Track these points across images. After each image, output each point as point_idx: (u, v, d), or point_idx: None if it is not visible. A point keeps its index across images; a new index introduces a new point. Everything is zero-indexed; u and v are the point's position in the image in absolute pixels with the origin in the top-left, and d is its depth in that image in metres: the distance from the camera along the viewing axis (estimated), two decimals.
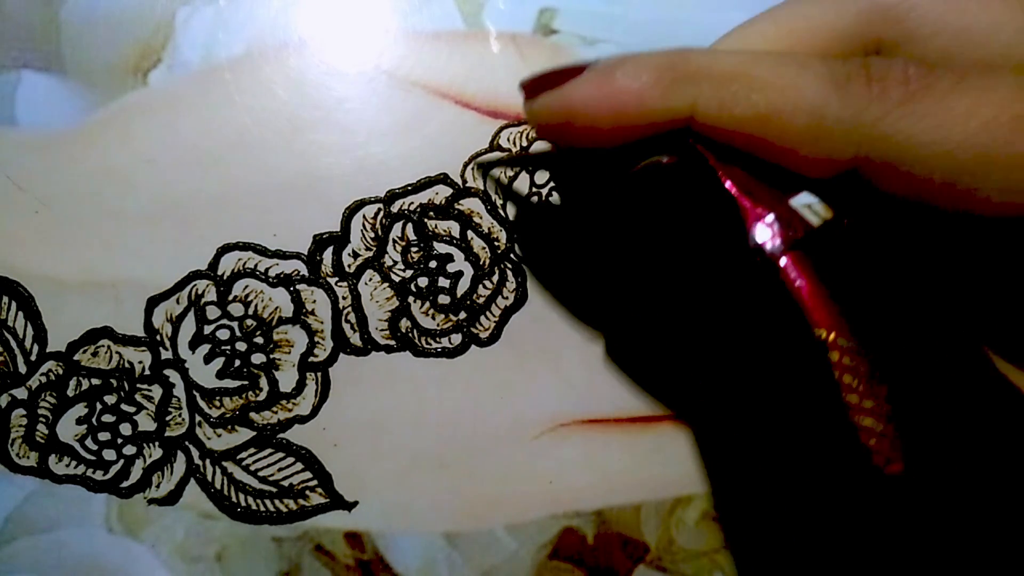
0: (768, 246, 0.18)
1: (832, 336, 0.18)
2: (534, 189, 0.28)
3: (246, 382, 0.26)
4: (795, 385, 0.19)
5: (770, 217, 0.18)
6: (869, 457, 0.17)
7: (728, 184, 0.19)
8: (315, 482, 0.26)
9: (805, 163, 0.18)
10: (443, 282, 0.27)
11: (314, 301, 0.27)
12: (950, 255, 0.20)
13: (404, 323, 0.27)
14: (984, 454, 0.18)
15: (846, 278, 0.18)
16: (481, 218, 0.27)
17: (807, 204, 0.19)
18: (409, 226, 0.27)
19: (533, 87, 0.21)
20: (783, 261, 0.18)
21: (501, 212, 0.27)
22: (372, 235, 0.27)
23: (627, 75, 0.19)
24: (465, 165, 0.28)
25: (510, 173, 0.28)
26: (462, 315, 0.27)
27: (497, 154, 0.27)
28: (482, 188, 0.27)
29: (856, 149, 0.18)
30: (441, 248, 0.27)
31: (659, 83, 0.19)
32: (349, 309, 0.27)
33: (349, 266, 0.27)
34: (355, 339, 0.27)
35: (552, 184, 0.28)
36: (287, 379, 0.26)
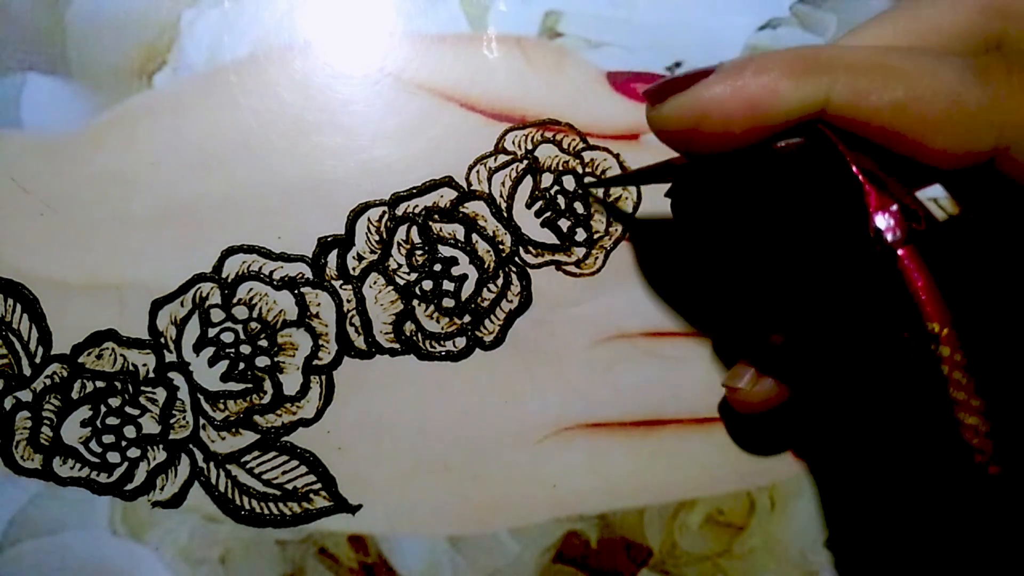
0: (889, 236, 0.18)
1: (945, 331, 0.17)
2: (537, 193, 0.28)
3: (250, 385, 0.26)
4: (902, 378, 0.19)
5: (894, 207, 0.18)
6: (971, 455, 0.17)
7: (855, 169, 0.18)
8: (319, 485, 0.26)
9: (938, 155, 0.18)
10: (447, 285, 0.27)
11: (318, 304, 0.27)
12: None
13: (408, 326, 0.27)
14: None
15: (964, 274, 0.18)
16: (486, 221, 0.27)
17: (934, 198, 0.19)
18: (414, 229, 0.27)
19: (658, 93, 0.21)
20: (902, 252, 0.18)
21: (505, 215, 0.27)
22: (376, 238, 0.27)
23: (758, 69, 0.19)
24: (470, 168, 0.28)
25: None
26: (466, 318, 0.27)
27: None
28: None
29: (996, 138, 0.18)
30: (446, 251, 0.27)
31: (792, 73, 0.19)
32: (353, 312, 0.27)
33: (353, 269, 0.27)
34: (359, 342, 0.27)
35: (558, 189, 0.28)
36: (291, 382, 0.26)
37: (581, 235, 0.28)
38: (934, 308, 0.18)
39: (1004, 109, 0.17)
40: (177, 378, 0.26)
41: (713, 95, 0.19)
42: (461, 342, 0.27)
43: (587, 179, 0.28)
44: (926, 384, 0.18)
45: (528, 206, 0.28)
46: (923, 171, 0.19)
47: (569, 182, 0.28)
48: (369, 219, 0.27)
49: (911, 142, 0.18)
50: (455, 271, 0.27)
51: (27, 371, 0.26)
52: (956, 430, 0.18)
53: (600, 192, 0.28)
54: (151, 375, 0.26)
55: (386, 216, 0.27)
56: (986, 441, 0.17)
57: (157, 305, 0.26)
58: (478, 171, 0.28)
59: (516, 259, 0.27)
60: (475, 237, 0.27)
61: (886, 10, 0.21)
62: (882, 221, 0.18)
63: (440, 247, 0.27)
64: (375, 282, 0.27)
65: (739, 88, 0.19)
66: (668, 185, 0.25)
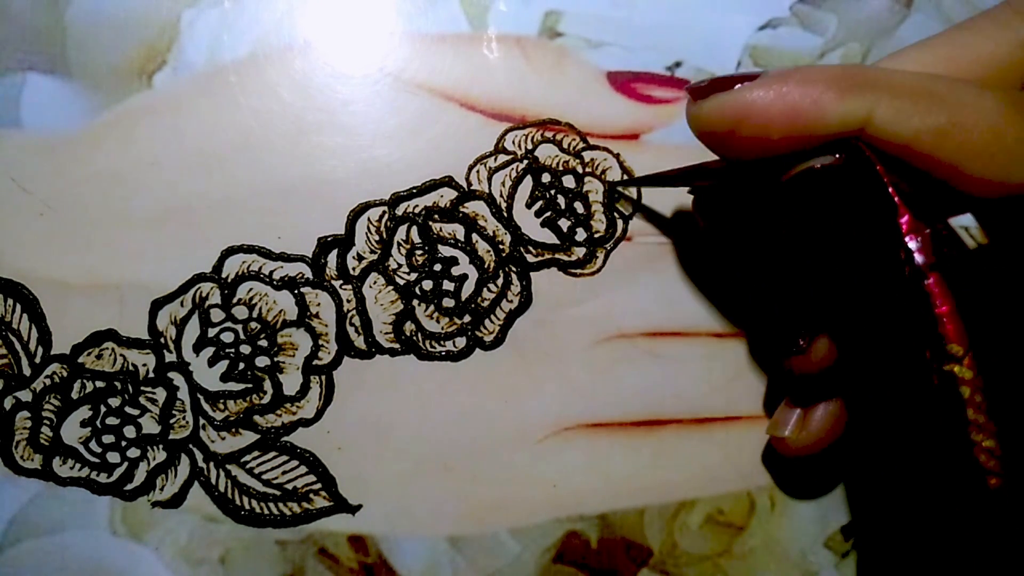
0: (919, 258, 0.18)
1: (968, 354, 0.18)
2: (538, 192, 0.28)
3: (250, 385, 0.26)
4: (918, 395, 0.19)
5: (927, 231, 0.18)
6: (984, 477, 0.18)
7: (891, 190, 0.19)
8: (319, 485, 0.26)
9: (974, 183, 0.18)
10: (447, 285, 0.27)
11: (318, 304, 0.27)
12: None
13: (408, 326, 0.27)
14: None
15: (988, 301, 0.19)
16: (486, 221, 0.27)
17: (965, 227, 0.19)
18: (414, 229, 0.27)
19: (703, 90, 0.21)
20: (930, 275, 0.18)
21: (505, 215, 0.27)
22: (376, 238, 0.27)
23: (804, 79, 0.19)
24: (470, 168, 0.28)
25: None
26: (466, 318, 0.27)
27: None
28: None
29: None
30: (446, 251, 0.27)
31: (837, 88, 0.19)
32: (353, 312, 0.27)
33: (353, 269, 0.27)
34: (359, 342, 0.27)
35: (557, 188, 0.28)
36: (291, 382, 0.26)
37: (581, 235, 0.28)
38: (956, 331, 0.18)
39: None
40: (177, 378, 0.26)
41: (756, 98, 0.19)
42: (461, 342, 0.27)
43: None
44: (944, 404, 0.18)
45: (528, 206, 0.28)
46: (957, 198, 0.19)
47: (569, 182, 0.28)
48: (369, 219, 0.27)
49: (949, 168, 0.18)
50: (455, 271, 0.27)
51: (27, 371, 0.26)
52: (970, 451, 0.18)
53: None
54: (151, 375, 0.26)
55: (386, 216, 0.27)
56: (999, 463, 0.18)
57: (157, 305, 0.26)
58: (478, 171, 0.28)
59: (515, 259, 0.27)
60: (475, 237, 0.27)
61: (928, 37, 0.21)
62: (913, 244, 0.18)
63: (440, 247, 0.27)
64: (375, 282, 0.27)
65: (783, 95, 0.19)
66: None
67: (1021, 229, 0.19)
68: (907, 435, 0.21)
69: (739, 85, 0.20)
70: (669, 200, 0.28)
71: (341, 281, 0.27)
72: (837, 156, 0.19)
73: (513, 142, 0.28)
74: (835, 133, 0.19)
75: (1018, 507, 0.18)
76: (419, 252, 0.27)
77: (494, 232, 0.27)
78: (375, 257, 0.27)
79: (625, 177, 0.28)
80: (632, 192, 0.28)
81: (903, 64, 0.21)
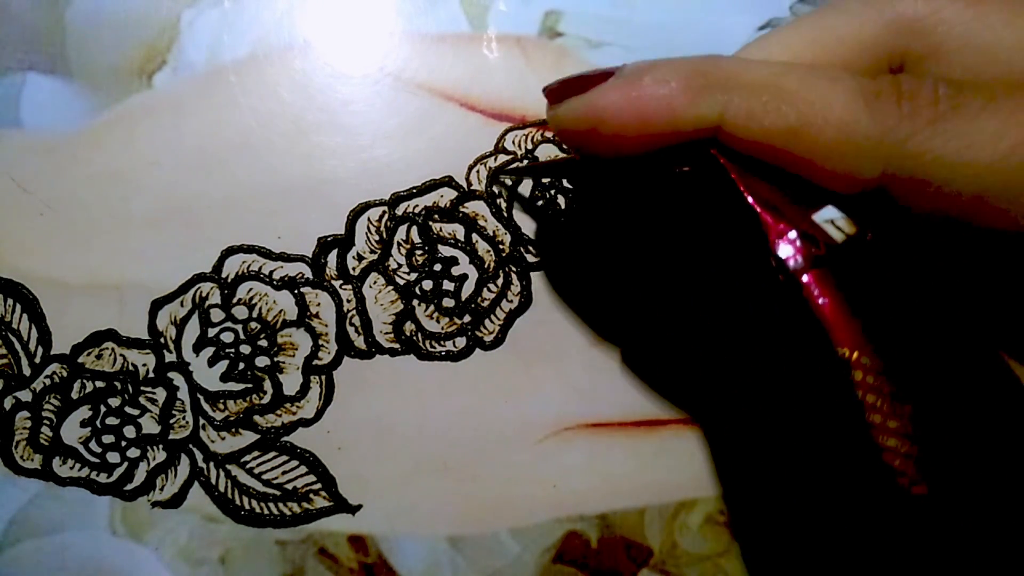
0: (791, 263, 0.18)
1: (855, 355, 0.17)
2: (538, 192, 0.28)
3: (250, 385, 0.26)
4: (817, 403, 0.18)
5: (792, 233, 0.18)
6: (893, 478, 0.17)
7: (750, 199, 0.18)
8: (319, 485, 0.26)
9: (831, 178, 0.18)
10: (447, 285, 0.27)
11: (318, 304, 0.27)
12: (973, 269, 0.20)
13: (408, 326, 0.27)
14: (1011, 473, 0.18)
15: (869, 294, 0.18)
16: (486, 221, 0.27)
17: (830, 219, 0.19)
18: (414, 229, 0.27)
19: (558, 92, 0.20)
20: (805, 278, 0.18)
21: (506, 215, 0.27)
22: (376, 238, 0.27)
23: (655, 81, 0.19)
24: (470, 168, 0.28)
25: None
26: (466, 318, 0.27)
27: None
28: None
29: (884, 166, 0.18)
30: (446, 251, 0.27)
31: (688, 90, 0.18)
32: (353, 312, 0.27)
33: (353, 269, 0.27)
34: (359, 342, 0.27)
35: (557, 188, 0.28)
36: (291, 382, 0.26)
37: None
38: (843, 333, 0.18)
39: (891, 140, 0.17)
40: (177, 378, 0.26)
41: (607, 102, 0.19)
42: (461, 342, 0.27)
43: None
44: (844, 408, 0.18)
45: None
46: (821, 190, 0.19)
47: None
48: (369, 219, 0.27)
49: (804, 164, 0.18)
50: (455, 271, 0.27)
51: (27, 371, 0.26)
52: (877, 453, 0.17)
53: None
54: (151, 375, 0.26)
55: (386, 216, 0.27)
56: (907, 462, 0.17)
57: (157, 305, 0.26)
58: (478, 171, 0.28)
59: (516, 259, 0.27)
60: (475, 237, 0.27)
61: (798, 18, 0.21)
62: (783, 249, 0.18)
63: (440, 247, 0.27)
64: (375, 282, 0.27)
65: (633, 99, 0.19)
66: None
67: (886, 217, 0.19)
68: (815, 446, 0.21)
69: (593, 87, 0.19)
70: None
71: (341, 281, 0.27)
72: (688, 167, 0.19)
73: (513, 142, 0.28)
74: (691, 132, 0.19)
75: (934, 506, 0.18)
76: (419, 252, 0.27)
77: (494, 232, 0.27)
78: (375, 257, 0.27)
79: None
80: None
81: (770, 49, 0.21)
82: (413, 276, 0.27)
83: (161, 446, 0.26)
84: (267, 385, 0.26)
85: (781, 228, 0.18)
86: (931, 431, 0.18)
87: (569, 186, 0.28)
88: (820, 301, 0.18)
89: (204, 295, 0.26)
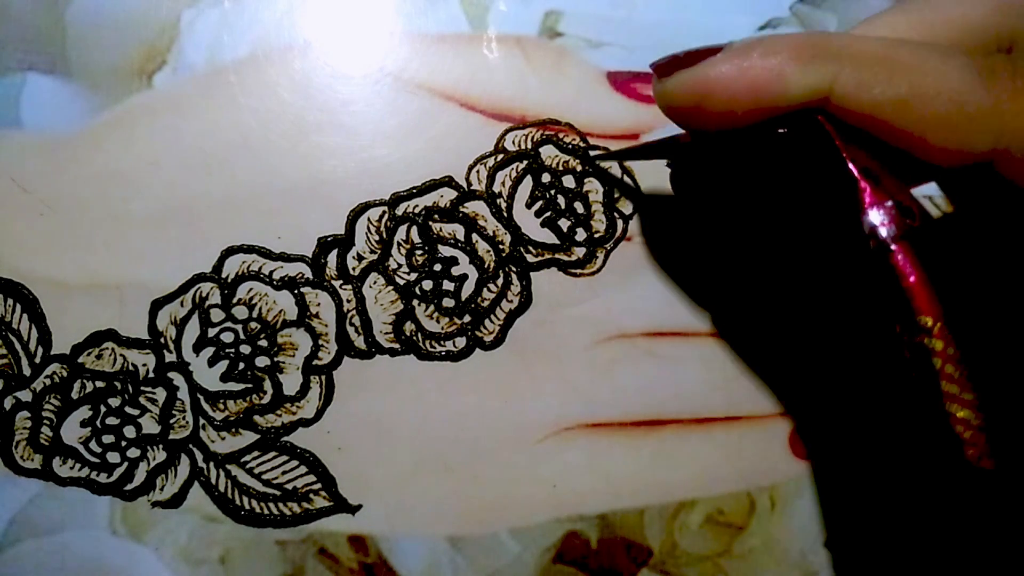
0: (883, 232, 0.18)
1: (937, 325, 0.18)
2: (538, 192, 0.28)
3: (250, 385, 0.26)
4: (892, 370, 0.19)
5: (889, 203, 0.18)
6: (962, 448, 0.18)
7: (850, 165, 0.18)
8: (319, 485, 0.26)
9: (936, 152, 0.18)
10: (447, 285, 0.27)
11: (318, 304, 0.27)
12: None
13: (408, 326, 0.27)
14: None
15: (954, 271, 0.18)
16: (486, 221, 0.27)
17: (929, 196, 0.19)
18: (414, 229, 0.27)
19: (666, 67, 0.20)
20: (895, 248, 0.18)
21: (505, 215, 0.27)
22: (376, 238, 0.27)
23: (766, 51, 0.19)
24: (470, 168, 0.28)
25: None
26: (466, 318, 0.27)
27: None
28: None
29: (995, 140, 0.18)
30: (446, 251, 0.27)
31: (799, 59, 0.18)
32: (353, 312, 0.27)
33: (353, 269, 0.27)
34: (359, 342, 0.27)
35: (557, 188, 0.28)
36: (291, 382, 0.26)
37: (581, 235, 0.28)
38: (926, 302, 0.18)
39: (1004, 113, 0.17)
40: (177, 378, 0.26)
41: (719, 74, 0.19)
42: (461, 342, 0.27)
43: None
44: (918, 377, 0.18)
45: (528, 206, 0.28)
46: (921, 167, 0.19)
47: (569, 181, 0.28)
48: (369, 219, 0.27)
49: (911, 138, 0.18)
50: (455, 271, 0.27)
51: (27, 371, 0.26)
52: (947, 423, 0.18)
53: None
54: (151, 375, 0.26)
55: (386, 216, 0.27)
56: (979, 435, 0.18)
57: (157, 305, 0.26)
58: (478, 171, 0.28)
59: (515, 258, 0.27)
60: (475, 237, 0.27)
61: (901, 2, 0.21)
62: (876, 217, 0.18)
63: (440, 247, 0.27)
64: (375, 282, 0.27)
65: (745, 69, 0.19)
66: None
67: (985, 197, 0.19)
68: (888, 414, 0.21)
69: (703, 61, 0.20)
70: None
71: (341, 281, 0.27)
72: (795, 130, 0.19)
73: (513, 142, 0.28)
74: (800, 104, 0.19)
75: (1003, 480, 0.18)
76: (419, 252, 0.27)
77: (494, 232, 0.27)
78: (375, 257, 0.27)
79: (626, 178, 0.28)
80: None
81: (876, 28, 0.21)
82: (413, 276, 0.27)
83: (161, 446, 0.26)
84: (267, 385, 0.26)
85: (879, 197, 0.18)
86: (1000, 409, 0.18)
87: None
88: (907, 271, 0.18)
89: (204, 295, 0.26)
